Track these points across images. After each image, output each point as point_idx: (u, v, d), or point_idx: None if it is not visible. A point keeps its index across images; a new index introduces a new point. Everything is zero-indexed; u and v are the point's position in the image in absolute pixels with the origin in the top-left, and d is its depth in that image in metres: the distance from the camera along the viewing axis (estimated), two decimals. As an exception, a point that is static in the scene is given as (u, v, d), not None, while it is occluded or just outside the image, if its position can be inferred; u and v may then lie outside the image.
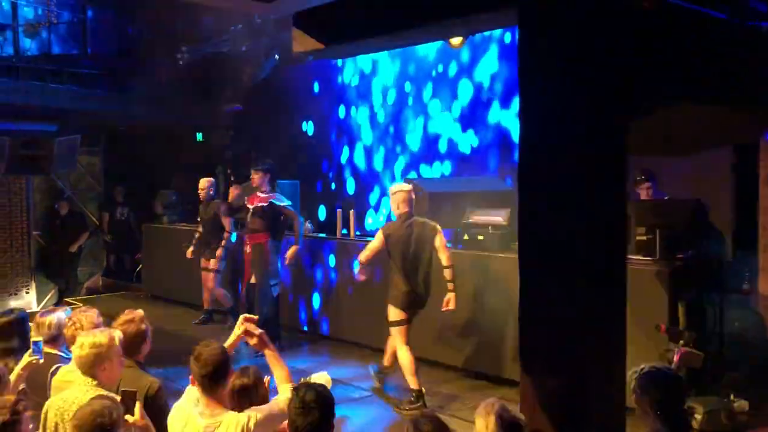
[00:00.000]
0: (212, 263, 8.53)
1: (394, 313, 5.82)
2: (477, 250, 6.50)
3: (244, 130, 10.97)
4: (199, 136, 11.29)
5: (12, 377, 3.65)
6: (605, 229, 3.53)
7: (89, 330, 3.60)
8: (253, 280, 7.54)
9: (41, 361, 3.73)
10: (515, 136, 7.48)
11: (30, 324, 4.29)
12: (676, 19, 3.85)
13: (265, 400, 3.25)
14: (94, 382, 3.27)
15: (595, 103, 3.47)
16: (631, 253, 5.04)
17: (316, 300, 8.20)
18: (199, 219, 8.88)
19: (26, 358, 3.75)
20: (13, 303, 10.37)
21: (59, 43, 10.83)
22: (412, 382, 5.70)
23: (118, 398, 2.93)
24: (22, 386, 3.70)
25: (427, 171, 8.61)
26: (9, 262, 10.65)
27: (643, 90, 3.84)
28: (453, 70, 8.37)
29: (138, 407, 2.86)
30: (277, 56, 9.49)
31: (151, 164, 11.53)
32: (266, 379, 3.36)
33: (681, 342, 4.68)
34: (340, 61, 9.42)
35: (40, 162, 9.59)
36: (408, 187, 6.01)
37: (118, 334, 3.46)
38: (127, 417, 2.86)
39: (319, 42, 4.54)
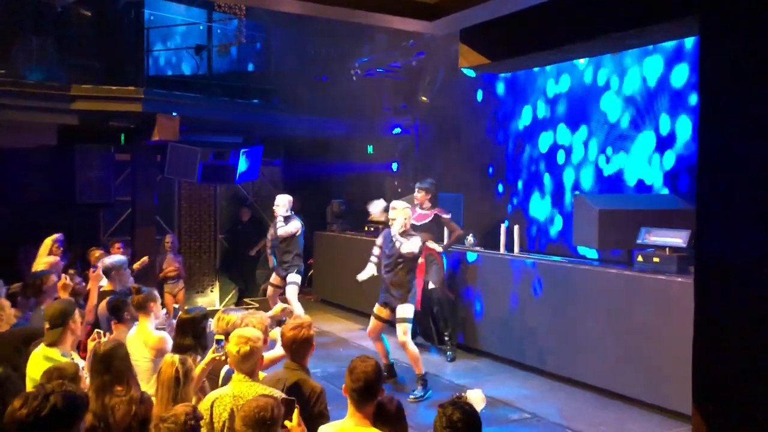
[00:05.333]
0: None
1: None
2: (652, 273, 6.11)
3: (410, 144, 11.18)
4: (370, 149, 11.69)
5: (197, 372, 3.83)
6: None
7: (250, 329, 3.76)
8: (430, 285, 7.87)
9: (224, 357, 3.86)
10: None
11: (210, 322, 4.62)
12: None
13: None
14: (245, 377, 3.47)
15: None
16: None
17: (477, 315, 8.13)
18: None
19: (211, 354, 3.97)
20: (200, 300, 11.35)
21: (245, 62, 11.74)
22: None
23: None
24: (204, 381, 3.97)
25: (599, 187, 8.24)
26: (197, 262, 11.66)
27: None
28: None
29: (296, 414, 2.97)
30: (443, 71, 9.58)
31: (324, 174, 12.09)
32: None
33: None
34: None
35: (226, 171, 10.36)
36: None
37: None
38: (286, 422, 2.99)
39: (485, 57, 4.51)
